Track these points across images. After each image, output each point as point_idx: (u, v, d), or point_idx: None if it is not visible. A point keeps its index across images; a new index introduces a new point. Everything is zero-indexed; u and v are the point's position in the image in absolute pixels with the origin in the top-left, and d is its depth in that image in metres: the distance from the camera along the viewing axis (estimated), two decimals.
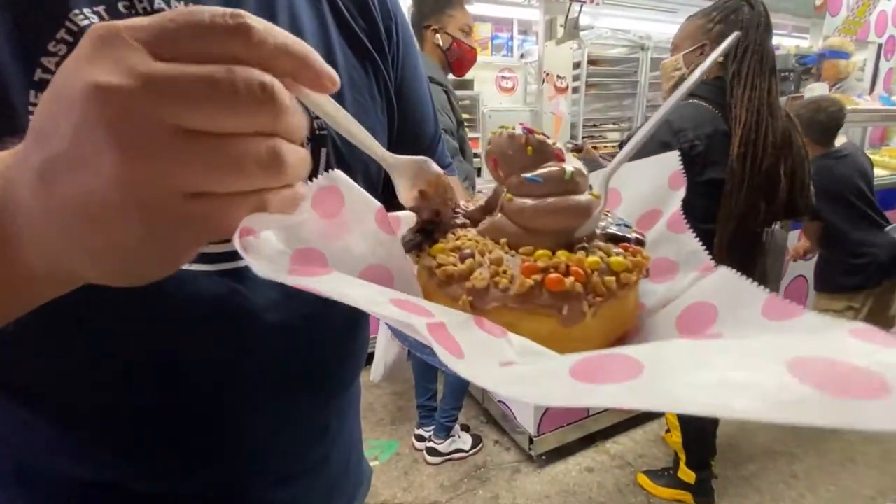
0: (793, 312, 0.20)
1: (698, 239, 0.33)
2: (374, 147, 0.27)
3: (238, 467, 0.43)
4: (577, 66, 3.17)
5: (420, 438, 2.03)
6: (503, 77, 4.67)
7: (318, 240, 0.27)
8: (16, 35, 0.31)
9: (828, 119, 1.95)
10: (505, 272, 0.25)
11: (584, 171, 0.29)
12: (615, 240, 0.29)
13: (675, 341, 0.17)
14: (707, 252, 0.32)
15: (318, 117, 0.39)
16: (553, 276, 0.24)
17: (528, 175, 0.27)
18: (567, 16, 3.00)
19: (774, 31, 4.16)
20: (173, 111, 0.17)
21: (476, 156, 3.43)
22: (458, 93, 3.38)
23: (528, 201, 0.27)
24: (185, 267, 0.35)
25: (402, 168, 0.30)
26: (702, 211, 1.21)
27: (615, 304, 0.26)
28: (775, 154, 1.18)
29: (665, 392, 0.14)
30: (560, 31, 3.09)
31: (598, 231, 0.29)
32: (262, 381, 0.40)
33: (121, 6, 0.34)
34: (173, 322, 0.35)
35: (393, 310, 0.19)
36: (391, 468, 1.96)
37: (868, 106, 2.65)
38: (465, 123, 4.05)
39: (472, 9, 3.94)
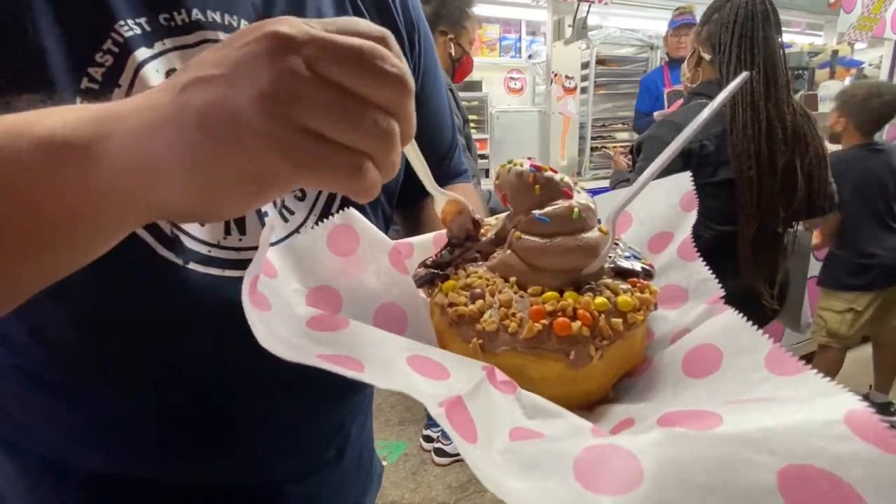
0: (794, 369, 0.21)
1: (707, 266, 0.33)
2: (425, 179, 0.29)
3: (254, 463, 0.45)
4: (585, 66, 3.15)
5: (428, 439, 2.05)
6: (511, 78, 4.65)
7: (333, 278, 0.29)
8: (65, 45, 0.33)
9: (881, 106, 1.84)
10: (514, 315, 0.26)
11: (593, 205, 0.30)
12: (624, 274, 0.30)
13: (675, 441, 0.17)
14: (717, 280, 0.32)
15: None
16: (560, 320, 0.25)
17: (537, 213, 0.28)
18: (575, 16, 2.98)
19: (787, 29, 4.05)
20: (325, 64, 0.20)
21: (483, 156, 3.43)
22: (467, 94, 3.38)
23: (537, 240, 0.27)
24: (207, 270, 0.36)
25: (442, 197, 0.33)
26: (718, 213, 1.19)
27: (622, 344, 0.26)
28: (790, 151, 1.15)
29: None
30: (568, 32, 3.07)
31: (606, 265, 0.30)
32: (279, 380, 0.42)
33: (161, 18, 0.36)
34: (197, 324, 0.37)
35: (410, 376, 0.20)
36: (399, 469, 1.98)
37: None
38: (474, 124, 4.04)
39: (480, 10, 3.93)
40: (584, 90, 3.21)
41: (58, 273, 0.25)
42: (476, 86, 4.03)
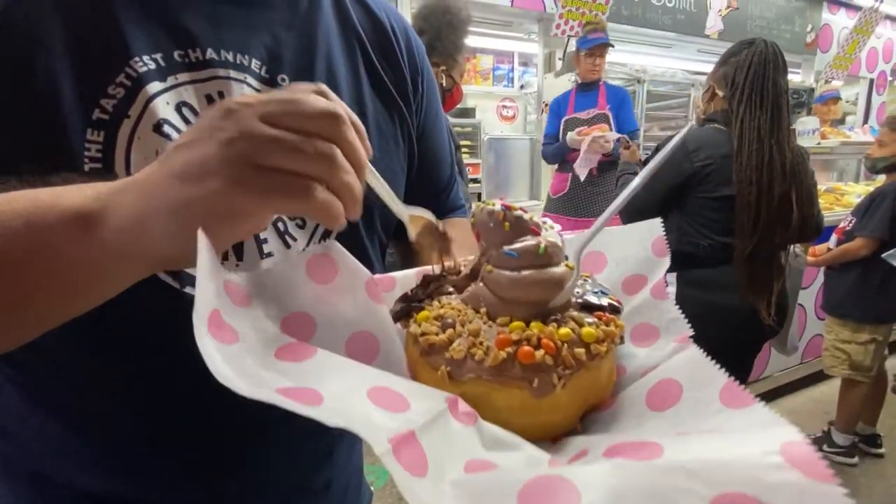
0: (745, 401, 0.22)
1: (678, 307, 0.34)
2: (391, 203, 0.31)
3: (244, 488, 0.44)
4: None
5: None
6: (504, 106, 4.77)
7: (310, 304, 0.29)
8: (78, 76, 0.34)
9: None
10: (481, 343, 0.26)
11: (560, 243, 0.31)
12: (590, 308, 0.31)
13: (614, 470, 0.18)
14: (686, 320, 0.33)
15: None
16: (525, 348, 0.25)
17: (506, 249, 0.29)
18: (565, 50, 3.09)
19: None
20: (269, 113, 0.25)
21: (475, 180, 3.48)
22: (461, 120, 3.45)
23: (506, 273, 0.29)
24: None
25: (409, 217, 0.35)
26: (717, 225, 1.33)
27: (585, 374, 0.27)
28: (787, 183, 1.28)
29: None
30: (559, 65, 3.18)
31: (573, 299, 0.31)
32: (265, 405, 0.42)
33: (176, 55, 0.38)
34: (191, 347, 0.37)
35: (367, 409, 0.21)
36: (386, 494, 1.93)
37: (860, 139, 2.70)
38: (467, 149, 4.11)
39: (475, 41, 4.04)
40: None
41: (68, 317, 0.29)
42: (470, 113, 4.12)
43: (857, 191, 2.77)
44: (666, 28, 3.37)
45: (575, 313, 0.29)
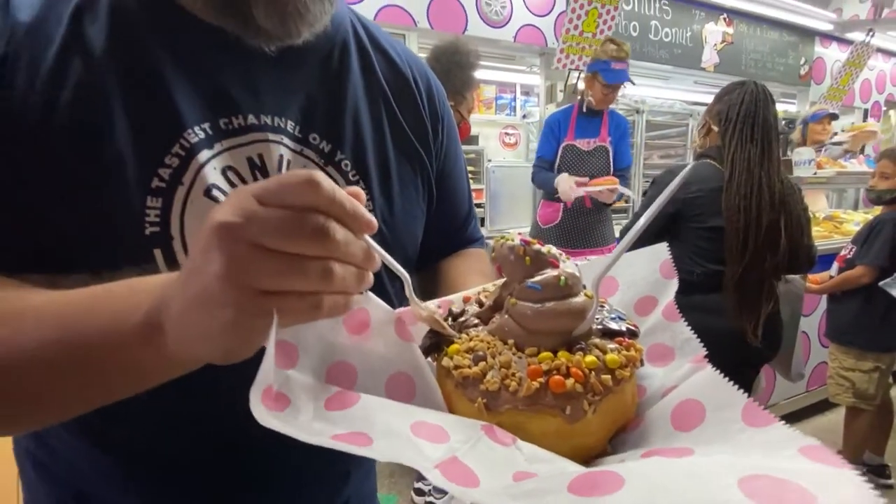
0: (766, 421, 0.24)
1: (689, 327, 0.36)
2: (395, 266, 0.33)
3: None
4: None
5: (419, 492, 1.98)
6: (506, 133, 4.88)
7: (350, 353, 0.32)
8: (138, 148, 0.37)
9: None
10: (514, 374, 0.29)
11: (577, 273, 0.33)
12: (610, 334, 0.33)
13: (654, 462, 0.21)
14: (699, 340, 0.35)
15: (372, 210, 0.47)
16: (556, 378, 0.28)
17: (529, 282, 0.32)
18: (566, 82, 3.19)
19: None
20: (261, 237, 0.24)
21: (478, 205, 3.54)
22: (464, 147, 3.53)
23: (530, 305, 0.31)
24: None
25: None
26: (709, 253, 1.41)
27: (613, 398, 0.29)
28: (775, 213, 1.35)
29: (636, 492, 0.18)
30: (560, 96, 3.27)
31: (594, 326, 0.33)
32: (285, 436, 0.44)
33: (221, 122, 0.41)
34: (221, 388, 0.39)
35: (414, 443, 0.23)
36: None
37: (856, 169, 2.75)
38: (471, 175, 4.14)
39: (479, 73, 4.15)
40: None
41: (114, 400, 0.32)
42: (473, 140, 4.20)
43: (856, 218, 2.81)
44: (663, 61, 3.49)
45: (597, 340, 0.32)
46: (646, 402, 0.33)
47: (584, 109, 2.30)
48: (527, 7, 3.07)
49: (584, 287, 0.33)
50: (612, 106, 2.39)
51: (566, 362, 0.29)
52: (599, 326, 0.33)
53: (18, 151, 0.34)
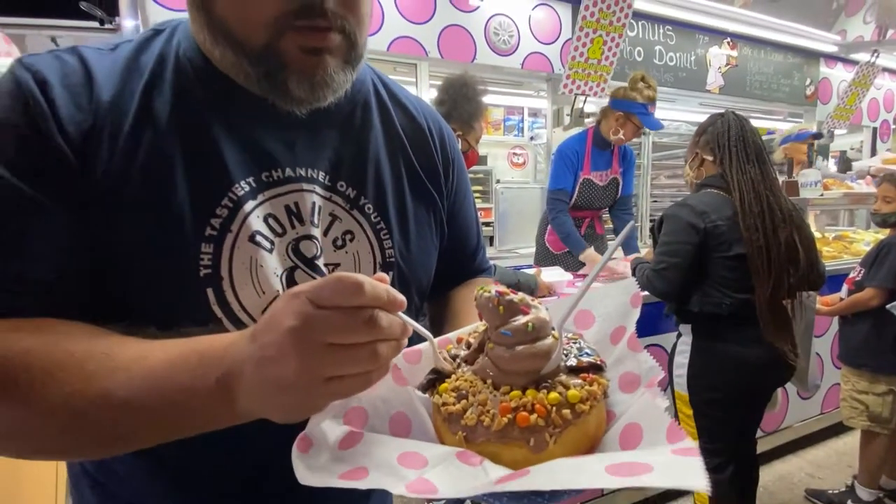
0: (679, 437, 0.30)
1: (652, 357, 0.41)
2: (422, 331, 0.39)
3: None
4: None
5: None
6: (514, 153, 4.97)
7: (361, 398, 0.38)
8: (194, 202, 0.44)
9: None
10: (489, 411, 0.34)
11: (547, 318, 0.39)
12: (576, 371, 0.38)
13: (556, 461, 0.30)
14: (661, 367, 0.40)
15: (391, 247, 0.54)
16: (521, 414, 0.33)
17: (503, 329, 0.37)
18: (573, 106, 3.27)
19: (770, 118, 4.29)
20: (325, 336, 0.32)
21: (487, 224, 3.59)
22: (474, 167, 3.62)
23: (504, 349, 0.37)
24: None
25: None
26: (735, 283, 1.42)
27: (574, 429, 0.34)
28: (788, 227, 1.39)
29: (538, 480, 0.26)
30: (566, 119, 3.35)
31: (562, 363, 0.39)
32: None
33: (263, 176, 0.48)
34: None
35: (398, 470, 0.31)
36: None
37: (863, 190, 2.76)
38: (479, 195, 4.21)
39: (488, 98, 4.24)
40: None
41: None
42: (482, 160, 4.29)
43: (866, 238, 2.80)
44: (668, 85, 3.55)
45: (563, 377, 0.37)
46: (611, 426, 0.38)
47: (597, 139, 2.32)
48: (533, 35, 3.18)
49: (553, 329, 0.39)
50: None
51: (532, 399, 0.34)
52: (567, 363, 0.39)
53: (98, 211, 0.41)
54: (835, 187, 2.63)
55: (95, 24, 2.37)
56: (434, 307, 0.67)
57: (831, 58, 4.26)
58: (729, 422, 1.49)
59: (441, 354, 0.41)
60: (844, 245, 2.73)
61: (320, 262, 0.50)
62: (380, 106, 0.58)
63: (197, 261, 0.44)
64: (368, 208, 0.53)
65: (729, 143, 1.45)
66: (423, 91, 2.96)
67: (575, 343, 0.41)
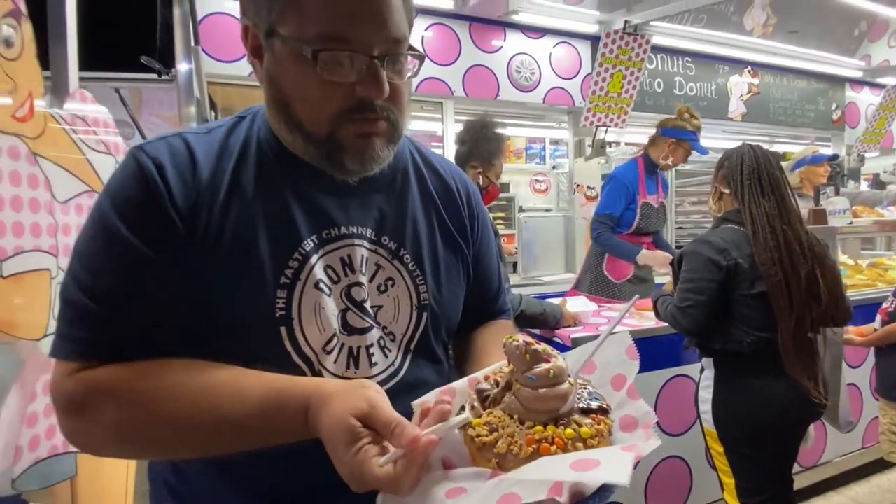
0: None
1: (646, 404, 0.48)
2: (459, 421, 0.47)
3: None
4: (604, 176, 3.47)
5: None
6: (536, 180, 5.06)
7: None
8: (272, 256, 0.54)
9: None
10: (516, 442, 0.42)
11: (564, 366, 0.46)
12: (587, 412, 0.46)
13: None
14: (653, 411, 0.48)
15: (426, 291, 0.63)
16: (544, 445, 0.41)
17: (528, 374, 0.45)
18: (594, 137, 3.37)
19: (797, 142, 4.23)
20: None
21: (510, 252, 3.66)
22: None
23: (529, 391, 0.45)
24: None
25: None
26: (757, 321, 1.40)
27: None
28: (810, 263, 1.37)
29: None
30: (588, 150, 3.44)
31: (575, 405, 0.47)
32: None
33: (323, 233, 0.57)
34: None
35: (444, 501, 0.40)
36: None
37: (894, 217, 2.70)
38: (502, 221, 4.29)
39: (510, 130, 4.36)
40: None
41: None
42: (504, 187, 4.39)
43: None
44: None
45: (577, 416, 0.45)
46: None
47: (648, 165, 2.47)
48: (554, 71, 3.32)
49: (569, 376, 0.47)
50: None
51: (552, 434, 0.42)
52: (580, 406, 0.47)
53: (197, 266, 0.52)
54: (865, 214, 2.60)
55: (154, 76, 2.64)
56: (459, 344, 0.76)
57: (857, 82, 4.24)
58: (760, 459, 1.46)
59: (471, 400, 0.49)
60: (879, 273, 2.66)
61: (367, 305, 0.59)
62: (416, 171, 0.69)
63: (273, 304, 0.54)
64: (407, 258, 0.63)
65: (742, 176, 1.46)
66: (449, 126, 3.11)
67: (585, 388, 0.49)
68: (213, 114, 2.60)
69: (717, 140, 4.23)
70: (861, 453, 2.52)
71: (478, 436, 0.44)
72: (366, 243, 0.61)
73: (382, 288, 0.61)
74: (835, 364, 1.69)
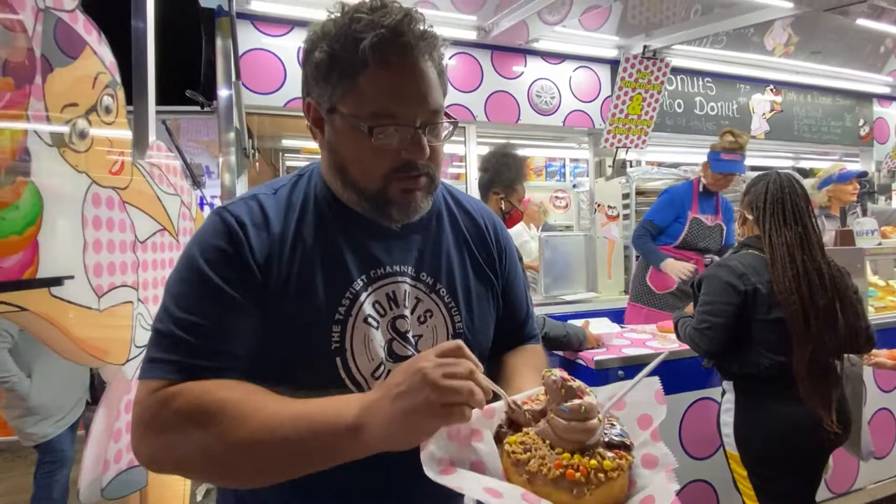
0: None
1: (666, 447, 0.55)
2: (498, 389, 0.54)
3: None
4: (625, 195, 3.51)
5: None
6: (557, 197, 5.10)
7: (451, 450, 0.54)
8: (327, 295, 0.62)
9: None
10: (546, 464, 0.49)
11: (594, 402, 0.53)
12: (611, 446, 0.53)
13: None
14: (671, 454, 0.54)
15: (460, 321, 0.71)
16: (569, 471, 0.47)
17: (562, 406, 0.53)
18: (614, 157, 3.41)
19: (825, 157, 4.15)
20: (443, 373, 0.48)
21: (531, 267, 3.70)
22: None
23: (562, 421, 0.52)
24: None
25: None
26: (775, 345, 1.43)
27: (604, 488, 0.48)
28: (829, 294, 1.39)
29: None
30: (609, 171, 3.49)
31: (601, 439, 0.53)
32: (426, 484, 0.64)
33: (371, 273, 0.66)
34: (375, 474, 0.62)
35: (485, 496, 0.46)
36: None
37: None
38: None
39: (531, 151, 4.42)
40: (626, 216, 3.53)
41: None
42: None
43: None
44: (710, 133, 3.60)
45: (601, 449, 0.52)
46: (632, 492, 0.52)
47: (702, 189, 2.61)
48: (574, 95, 3.39)
49: (599, 412, 0.54)
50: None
51: (578, 462, 0.49)
52: (605, 440, 0.54)
53: (268, 307, 0.61)
54: (894, 235, 2.56)
55: (197, 108, 2.84)
56: (492, 367, 0.82)
57: (885, 97, 4.17)
58: (781, 483, 1.47)
59: (521, 409, 0.56)
60: None
61: (410, 335, 0.67)
62: (448, 213, 0.78)
63: (329, 338, 0.62)
64: (443, 292, 0.71)
65: (766, 204, 1.49)
66: (471, 147, 3.21)
67: (612, 426, 0.56)
68: (250, 141, 2.78)
69: None
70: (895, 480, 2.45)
71: (513, 452, 0.51)
72: (408, 279, 0.69)
73: (422, 319, 0.69)
74: (855, 392, 1.67)
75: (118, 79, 1.02)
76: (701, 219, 2.59)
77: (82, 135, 0.90)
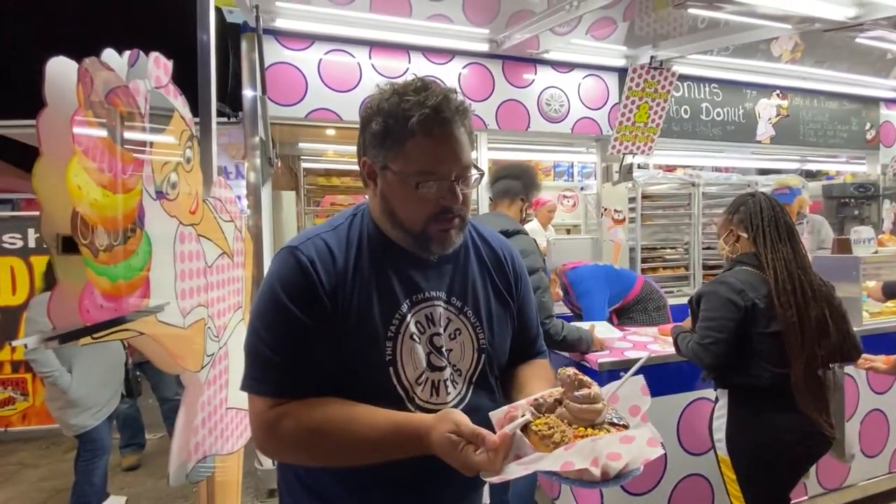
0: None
1: (653, 426, 0.67)
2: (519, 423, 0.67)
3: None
4: (632, 199, 3.59)
5: None
6: (565, 196, 5.21)
7: None
8: (381, 317, 0.75)
9: None
10: (567, 436, 0.62)
11: (600, 392, 0.68)
12: (613, 425, 0.67)
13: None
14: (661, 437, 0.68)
15: (483, 338, 0.84)
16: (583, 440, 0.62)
17: (575, 394, 0.66)
18: (621, 163, 3.51)
19: (831, 161, 4.19)
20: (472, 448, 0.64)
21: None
22: None
23: (575, 405, 0.65)
24: None
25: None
26: (773, 357, 1.50)
27: None
28: (819, 306, 1.48)
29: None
30: (616, 176, 3.59)
31: (605, 420, 0.67)
32: (457, 478, 0.70)
33: (413, 297, 0.78)
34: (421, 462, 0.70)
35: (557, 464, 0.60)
36: None
37: None
38: None
39: (539, 155, 4.50)
40: (632, 220, 3.62)
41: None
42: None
43: None
44: (716, 138, 3.68)
45: (606, 426, 0.66)
46: None
47: None
48: (582, 102, 3.50)
49: (603, 399, 0.68)
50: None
51: (591, 434, 0.63)
52: (608, 421, 0.68)
53: (336, 331, 0.74)
54: (891, 243, 2.63)
55: (224, 119, 2.99)
56: (506, 378, 0.95)
57: (892, 101, 4.22)
58: (770, 487, 1.55)
59: (528, 411, 0.71)
60: None
61: (443, 349, 0.80)
62: (474, 246, 0.90)
63: (384, 352, 0.75)
64: (469, 313, 0.84)
65: (763, 223, 1.55)
66: (483, 154, 3.34)
67: (613, 411, 0.70)
68: (274, 151, 2.93)
69: (745, 161, 4.28)
70: (888, 478, 2.54)
71: (539, 430, 0.65)
72: (441, 303, 0.82)
73: (452, 336, 0.83)
74: (838, 401, 1.75)
75: (195, 131, 1.20)
76: None
77: (173, 186, 1.08)
